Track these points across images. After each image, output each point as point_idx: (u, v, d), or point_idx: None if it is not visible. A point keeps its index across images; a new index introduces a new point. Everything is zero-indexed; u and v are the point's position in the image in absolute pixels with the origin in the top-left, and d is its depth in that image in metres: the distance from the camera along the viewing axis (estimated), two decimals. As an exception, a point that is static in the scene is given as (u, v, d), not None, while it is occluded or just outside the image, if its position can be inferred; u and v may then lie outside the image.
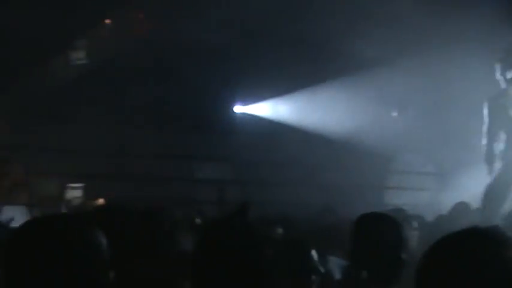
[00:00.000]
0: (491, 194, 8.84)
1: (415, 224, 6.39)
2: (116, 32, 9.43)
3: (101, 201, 10.64)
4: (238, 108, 13.54)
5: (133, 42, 9.56)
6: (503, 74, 8.89)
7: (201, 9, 9.22)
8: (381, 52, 11.59)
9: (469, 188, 10.33)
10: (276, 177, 12.09)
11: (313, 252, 4.21)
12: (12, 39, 8.19)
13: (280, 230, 6.08)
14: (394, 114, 14.00)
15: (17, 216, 7.03)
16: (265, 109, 13.45)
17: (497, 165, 9.05)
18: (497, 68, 9.00)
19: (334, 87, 12.31)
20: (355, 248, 3.57)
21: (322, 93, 12.55)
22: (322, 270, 4.08)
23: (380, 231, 3.50)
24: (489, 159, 9.09)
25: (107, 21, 8.60)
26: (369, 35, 10.47)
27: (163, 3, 9.12)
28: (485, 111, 9.13)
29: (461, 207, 7.81)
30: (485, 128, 9.17)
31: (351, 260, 3.63)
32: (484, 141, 9.23)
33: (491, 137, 9.08)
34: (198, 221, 5.47)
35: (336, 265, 5.28)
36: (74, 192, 10.55)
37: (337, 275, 5.24)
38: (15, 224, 6.72)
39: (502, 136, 9.05)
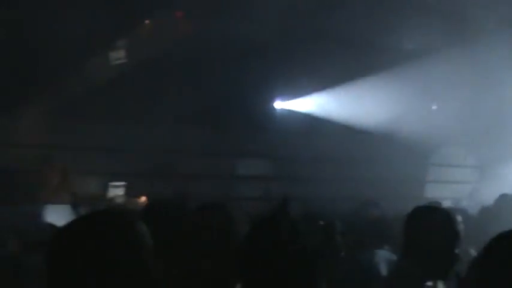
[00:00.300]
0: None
1: (459, 217, 6.30)
2: (156, 32, 9.46)
3: (143, 199, 10.72)
4: (278, 104, 13.53)
5: (173, 41, 9.58)
6: None
7: (239, 7, 9.21)
8: (422, 45, 11.47)
9: (510, 179, 10.21)
10: (316, 173, 12.03)
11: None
12: (53, 39, 8.25)
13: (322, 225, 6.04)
14: (435, 107, 13.86)
15: (62, 215, 7.11)
16: (305, 104, 13.41)
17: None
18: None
19: (375, 81, 12.21)
20: (408, 242, 3.45)
21: (362, 87, 12.45)
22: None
23: (435, 224, 3.40)
24: None
25: (147, 21, 8.64)
26: (409, 28, 10.37)
27: (203, 2, 9.13)
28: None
29: (504, 199, 7.66)
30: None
31: (403, 254, 3.50)
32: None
33: None
34: (249, 218, 5.43)
35: (382, 259, 5.19)
36: (117, 191, 10.64)
37: (384, 270, 5.23)
38: (60, 223, 6.78)
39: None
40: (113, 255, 1.86)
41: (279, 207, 2.28)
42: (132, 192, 10.73)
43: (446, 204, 8.96)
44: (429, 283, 3.27)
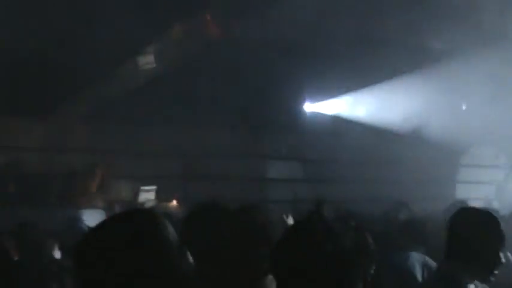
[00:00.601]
0: None
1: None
2: (185, 35, 9.47)
3: (174, 202, 10.75)
4: (308, 106, 13.48)
5: (205, 44, 9.59)
6: None
7: (269, 8, 9.20)
8: (451, 45, 11.37)
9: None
10: (346, 174, 11.98)
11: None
12: (87, 43, 8.32)
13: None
14: (464, 107, 13.73)
15: (99, 219, 7.14)
16: (334, 106, 13.35)
17: None
18: None
19: (403, 81, 12.13)
20: (452, 244, 3.37)
21: (391, 88, 12.37)
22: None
23: (482, 226, 3.35)
24: None
25: (177, 24, 8.67)
26: (438, 28, 10.29)
27: (233, 4, 9.14)
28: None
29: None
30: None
31: (446, 256, 3.44)
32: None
33: None
34: (288, 220, 5.40)
35: (417, 261, 5.21)
36: (148, 195, 10.67)
37: (419, 271, 5.18)
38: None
39: None
40: (140, 254, 1.85)
41: (313, 209, 2.25)
42: (163, 195, 10.76)
43: (478, 205, 8.88)
44: (471, 286, 3.22)
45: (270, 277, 2.66)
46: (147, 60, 9.88)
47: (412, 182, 11.95)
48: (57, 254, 6.33)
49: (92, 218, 7.28)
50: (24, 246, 6.15)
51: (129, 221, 1.93)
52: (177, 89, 10.36)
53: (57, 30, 8.31)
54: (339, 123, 13.04)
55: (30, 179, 10.21)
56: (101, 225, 1.95)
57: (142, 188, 10.71)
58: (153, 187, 10.78)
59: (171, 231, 1.93)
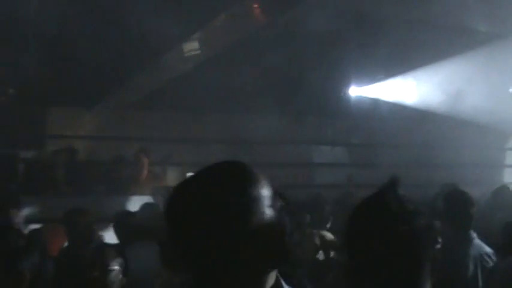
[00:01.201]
0: None
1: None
2: (230, 23, 9.37)
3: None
4: (354, 90, 13.26)
5: (249, 31, 9.48)
6: None
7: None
8: (499, 27, 11.04)
9: None
10: (392, 158, 11.79)
11: None
12: (132, 32, 8.27)
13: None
14: (512, 90, 13.39)
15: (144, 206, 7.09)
16: (380, 90, 13.11)
17: None
18: None
19: (450, 64, 11.83)
20: None
21: (437, 71, 12.08)
22: None
23: None
24: None
25: (222, 12, 8.57)
26: (486, 9, 9.98)
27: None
28: None
29: None
30: None
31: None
32: None
33: None
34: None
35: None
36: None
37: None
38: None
39: None
40: (236, 205, 1.81)
41: (384, 187, 2.12)
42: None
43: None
44: None
45: None
46: (190, 49, 9.81)
47: (459, 166, 11.71)
48: (111, 238, 6.34)
49: (139, 204, 7.22)
50: (72, 233, 6.15)
51: (225, 172, 1.91)
52: (222, 77, 10.27)
53: (102, 19, 8.28)
54: (385, 107, 12.78)
55: (81, 167, 10.27)
56: (194, 177, 1.95)
57: (188, 174, 10.64)
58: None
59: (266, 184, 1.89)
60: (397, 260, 2.05)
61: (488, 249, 4.96)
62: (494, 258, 4.87)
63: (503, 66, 12.03)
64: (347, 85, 12.98)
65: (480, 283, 4.77)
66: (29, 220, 7.59)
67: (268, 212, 1.85)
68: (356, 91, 13.19)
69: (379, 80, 12.83)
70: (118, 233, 6.35)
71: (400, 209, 2.10)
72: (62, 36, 8.47)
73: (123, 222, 6.33)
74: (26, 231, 6.44)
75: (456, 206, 5.16)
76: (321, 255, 6.32)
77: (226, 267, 1.80)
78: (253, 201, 1.83)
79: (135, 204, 7.79)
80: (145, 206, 6.98)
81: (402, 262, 2.06)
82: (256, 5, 8.74)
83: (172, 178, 10.45)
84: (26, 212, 7.75)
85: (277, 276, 1.90)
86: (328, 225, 6.76)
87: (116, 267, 4.02)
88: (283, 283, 1.93)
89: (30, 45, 8.76)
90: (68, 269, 5.50)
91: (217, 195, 1.83)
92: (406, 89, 12.88)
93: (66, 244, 6.42)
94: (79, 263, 4.55)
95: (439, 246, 3.92)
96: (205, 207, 1.81)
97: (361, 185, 9.05)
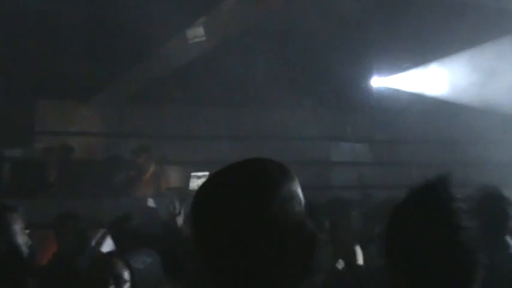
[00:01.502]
0: None
1: None
2: (239, 7, 9.32)
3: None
4: (376, 81, 13.10)
5: (266, 16, 9.45)
6: None
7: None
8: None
9: None
10: (419, 156, 11.68)
11: None
12: (133, 20, 8.23)
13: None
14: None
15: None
16: (405, 80, 12.96)
17: None
18: None
19: (482, 51, 11.65)
20: None
21: (469, 59, 11.91)
22: None
23: None
24: None
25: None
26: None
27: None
28: None
29: None
30: None
31: None
32: None
33: None
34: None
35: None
36: (200, 181, 10.57)
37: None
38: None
39: None
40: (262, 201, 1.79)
41: (433, 182, 2.08)
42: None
43: None
44: None
45: None
46: (196, 35, 9.78)
47: (494, 165, 11.57)
48: (108, 245, 6.28)
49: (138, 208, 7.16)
50: (63, 240, 6.07)
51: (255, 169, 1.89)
52: (233, 66, 10.22)
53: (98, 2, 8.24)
54: (411, 100, 12.65)
55: (74, 166, 10.24)
56: (220, 173, 1.93)
57: (193, 174, 10.65)
58: (205, 173, 10.72)
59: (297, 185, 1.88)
60: (447, 262, 2.06)
61: None
62: None
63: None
64: (369, 75, 12.84)
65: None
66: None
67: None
68: (379, 82, 13.04)
69: (404, 69, 12.67)
70: (115, 240, 6.29)
71: (451, 208, 2.09)
72: (51, 20, 8.38)
73: (121, 228, 6.32)
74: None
75: (493, 210, 5.03)
76: (340, 264, 6.21)
77: (254, 274, 1.77)
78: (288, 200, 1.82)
79: (133, 208, 7.73)
80: (145, 210, 6.97)
81: (451, 265, 2.07)
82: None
83: (172, 179, 10.43)
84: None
85: None
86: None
87: (128, 279, 3.94)
88: None
89: (18, 31, 8.72)
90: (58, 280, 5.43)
91: (250, 195, 1.81)
92: (434, 79, 12.73)
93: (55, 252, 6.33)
94: (74, 274, 4.50)
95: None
96: (235, 208, 1.80)
97: (383, 186, 8.99)
